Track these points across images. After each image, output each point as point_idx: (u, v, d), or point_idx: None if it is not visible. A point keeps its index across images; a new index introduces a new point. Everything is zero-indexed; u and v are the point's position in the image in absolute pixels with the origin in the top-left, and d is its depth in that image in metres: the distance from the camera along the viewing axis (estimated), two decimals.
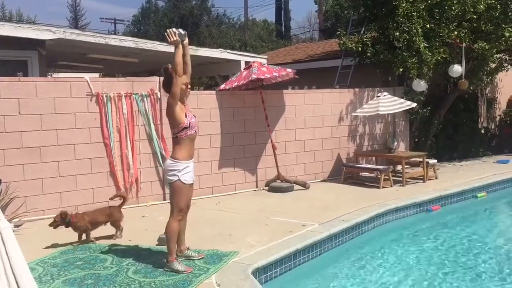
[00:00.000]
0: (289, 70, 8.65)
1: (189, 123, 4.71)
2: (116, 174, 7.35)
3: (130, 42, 9.42)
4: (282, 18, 40.44)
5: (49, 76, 7.50)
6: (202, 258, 5.01)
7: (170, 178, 4.69)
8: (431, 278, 5.25)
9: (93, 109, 7.21)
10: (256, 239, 5.66)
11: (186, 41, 4.82)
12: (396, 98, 9.34)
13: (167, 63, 4.88)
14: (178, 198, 4.73)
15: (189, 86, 4.89)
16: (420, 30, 9.49)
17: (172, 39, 4.64)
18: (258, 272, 4.83)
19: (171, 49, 10.12)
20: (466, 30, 10.00)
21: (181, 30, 4.76)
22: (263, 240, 5.60)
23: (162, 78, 5.02)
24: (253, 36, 32.78)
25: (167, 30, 4.69)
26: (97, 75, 17.09)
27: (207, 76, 18.63)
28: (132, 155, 7.53)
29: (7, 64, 8.54)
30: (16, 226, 6.17)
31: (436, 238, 6.62)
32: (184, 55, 4.79)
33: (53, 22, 72.22)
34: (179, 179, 4.66)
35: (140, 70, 14.52)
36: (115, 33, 46.14)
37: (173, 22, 36.53)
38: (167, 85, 4.74)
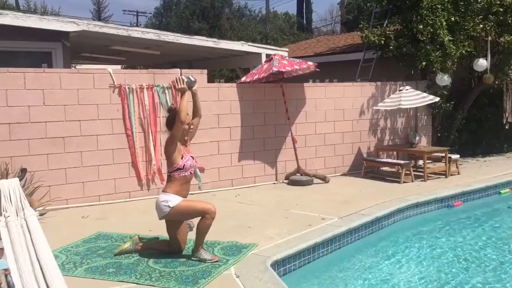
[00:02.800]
0: (310, 63, 8.61)
1: (184, 165, 4.70)
2: (137, 165, 7.44)
3: (152, 35, 9.47)
4: (304, 11, 40.17)
5: (72, 68, 7.60)
6: (217, 261, 4.74)
7: (164, 210, 4.66)
8: (450, 274, 5.21)
9: (116, 101, 7.29)
10: (275, 232, 5.68)
11: (195, 87, 4.81)
12: (418, 92, 9.22)
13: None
14: (191, 209, 4.71)
15: (192, 127, 4.85)
16: (444, 23, 9.33)
17: (178, 86, 4.64)
18: (277, 265, 4.85)
19: (192, 41, 10.22)
20: (492, 23, 9.80)
21: (190, 77, 4.75)
22: (282, 233, 5.62)
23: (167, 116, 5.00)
24: (274, 29, 32.65)
25: (176, 77, 4.68)
26: (119, 67, 17.28)
27: (228, 68, 18.66)
28: (154, 147, 7.60)
29: (32, 56, 8.69)
30: (40, 214, 6.30)
31: (457, 234, 6.54)
32: (194, 101, 4.84)
33: (76, 14, 73.13)
34: (170, 208, 4.64)
35: (162, 62, 14.62)
36: (137, 25, 46.55)
37: (194, 14, 36.60)
38: (170, 124, 4.76)
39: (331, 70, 11.81)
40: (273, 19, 39.12)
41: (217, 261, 4.72)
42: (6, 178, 6.00)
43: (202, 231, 4.77)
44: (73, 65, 8.03)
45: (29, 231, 2.45)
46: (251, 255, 4.90)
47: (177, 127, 4.58)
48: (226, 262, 4.71)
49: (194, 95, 4.89)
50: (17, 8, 33.09)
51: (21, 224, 2.48)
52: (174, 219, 4.81)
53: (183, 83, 4.67)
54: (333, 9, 44.71)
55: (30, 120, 6.68)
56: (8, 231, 2.43)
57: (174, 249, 4.90)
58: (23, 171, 3.59)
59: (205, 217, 4.71)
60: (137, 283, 4.25)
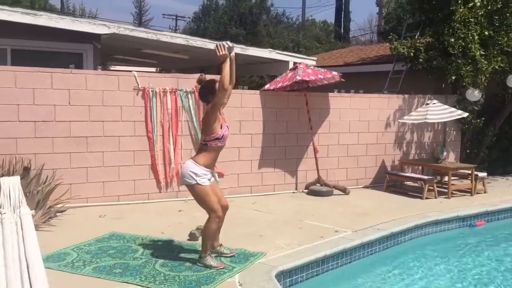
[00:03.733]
0: (334, 73, 8.53)
1: (222, 135, 4.72)
2: (156, 168, 7.53)
3: (180, 39, 9.61)
4: (342, 20, 39.87)
5: (99, 69, 7.78)
6: (233, 255, 5.02)
7: (188, 180, 4.65)
8: None
9: (139, 103, 7.42)
10: (286, 242, 5.63)
11: (233, 54, 4.80)
12: (446, 106, 9.00)
13: (202, 72, 4.93)
14: (206, 199, 4.69)
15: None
16: (476, 38, 9.09)
17: (221, 53, 4.62)
18: (283, 275, 4.81)
19: None
20: None
21: (229, 43, 4.74)
22: (293, 243, 5.58)
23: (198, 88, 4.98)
24: (307, 37, 32.53)
25: (216, 44, 4.69)
26: (153, 69, 17.57)
27: (258, 75, 18.70)
28: (174, 150, 7.68)
29: (64, 56, 8.95)
30: (59, 211, 6.47)
31: (475, 255, 6.33)
32: (231, 68, 4.78)
33: (117, 17, 74.98)
34: (197, 183, 4.64)
35: (192, 67, 14.80)
36: (175, 29, 47.31)
37: (232, 20, 36.92)
38: (205, 96, 4.77)
39: (361, 80, 11.66)
40: (310, 27, 38.93)
41: (222, 269, 4.72)
42: (28, 173, 6.22)
43: (206, 235, 4.79)
44: (99, 67, 8.19)
45: (22, 229, 2.51)
46: (258, 264, 4.88)
47: (220, 95, 4.56)
48: (232, 270, 4.71)
49: (231, 62, 4.77)
50: (62, 10, 34.18)
51: (16, 221, 2.55)
52: (191, 192, 4.76)
53: (224, 49, 4.63)
54: (372, 19, 44.13)
55: (55, 119, 6.86)
56: (2, 227, 2.50)
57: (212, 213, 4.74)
58: (26, 169, 3.68)
59: (210, 219, 4.73)
60: (140, 285, 4.29)
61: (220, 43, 4.70)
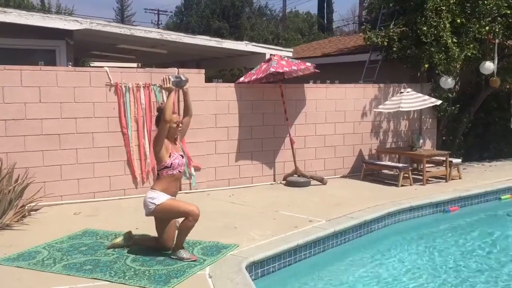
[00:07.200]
0: (308, 64, 8.56)
1: (171, 163, 4.76)
2: (132, 163, 7.51)
3: (155, 34, 9.56)
4: (324, 11, 39.83)
5: (69, 65, 7.72)
6: (194, 260, 4.77)
7: (150, 207, 4.75)
8: (436, 281, 5.13)
9: (112, 99, 7.37)
10: (259, 233, 5.67)
11: (187, 86, 4.92)
12: (419, 94, 9.08)
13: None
14: (174, 209, 4.75)
15: (180, 125, 4.91)
16: (448, 26, 9.17)
17: (165, 86, 4.75)
18: (255, 266, 4.85)
19: (195, 41, 10.26)
20: (499, 26, 9.57)
21: (182, 76, 4.84)
22: (266, 234, 5.61)
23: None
24: (291, 29, 32.49)
25: (163, 76, 4.78)
26: (135, 65, 17.45)
27: (239, 68, 18.69)
28: (149, 145, 7.65)
29: (37, 53, 8.85)
30: (33, 210, 6.43)
31: (447, 240, 6.44)
32: (185, 100, 4.97)
33: (103, 13, 74.07)
34: (155, 205, 4.72)
35: (172, 61, 14.73)
36: (158, 24, 46.95)
37: (214, 13, 36.71)
38: (158, 123, 4.80)
39: (338, 71, 11.72)
40: (293, 18, 38.87)
41: (195, 261, 4.74)
42: (0, 173, 6.17)
43: (182, 231, 4.82)
44: (70, 63, 8.14)
45: None
46: (229, 256, 4.91)
47: (162, 126, 4.66)
48: (203, 263, 4.73)
49: (185, 94, 4.97)
50: (43, 8, 33.55)
51: None
52: (160, 217, 4.86)
53: (169, 83, 4.75)
54: (355, 9, 44.14)
55: (26, 117, 6.80)
56: None
57: (160, 246, 4.96)
58: None
59: (188, 218, 4.74)
60: (110, 281, 4.29)
61: (167, 75, 4.79)
